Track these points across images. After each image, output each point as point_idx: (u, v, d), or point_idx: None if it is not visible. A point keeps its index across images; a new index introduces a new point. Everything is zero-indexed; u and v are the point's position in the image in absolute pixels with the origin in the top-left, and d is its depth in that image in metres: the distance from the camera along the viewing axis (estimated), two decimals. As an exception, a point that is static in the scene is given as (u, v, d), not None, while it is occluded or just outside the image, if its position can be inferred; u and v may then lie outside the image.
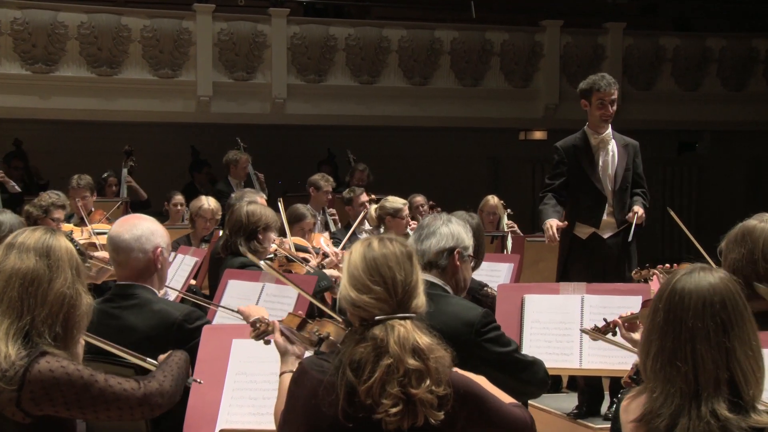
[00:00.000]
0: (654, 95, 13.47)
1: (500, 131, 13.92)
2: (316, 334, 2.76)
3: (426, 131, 13.78)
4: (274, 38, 11.99)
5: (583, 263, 5.87)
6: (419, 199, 8.67)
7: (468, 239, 3.39)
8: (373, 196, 8.28)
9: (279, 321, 2.92)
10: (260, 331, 2.94)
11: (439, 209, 8.64)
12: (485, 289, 4.48)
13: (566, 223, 5.75)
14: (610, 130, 5.95)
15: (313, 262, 5.74)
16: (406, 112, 12.58)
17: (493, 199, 8.57)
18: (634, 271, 5.20)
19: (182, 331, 3.32)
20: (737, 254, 3.01)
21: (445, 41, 12.67)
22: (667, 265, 4.94)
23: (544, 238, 5.76)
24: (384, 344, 2.45)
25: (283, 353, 2.85)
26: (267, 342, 2.94)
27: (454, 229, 3.38)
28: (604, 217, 5.89)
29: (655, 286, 4.50)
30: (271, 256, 5.50)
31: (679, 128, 14.38)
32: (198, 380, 3.04)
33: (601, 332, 3.51)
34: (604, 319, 3.53)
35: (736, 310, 2.25)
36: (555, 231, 5.64)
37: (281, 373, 2.82)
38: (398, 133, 13.91)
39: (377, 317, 2.50)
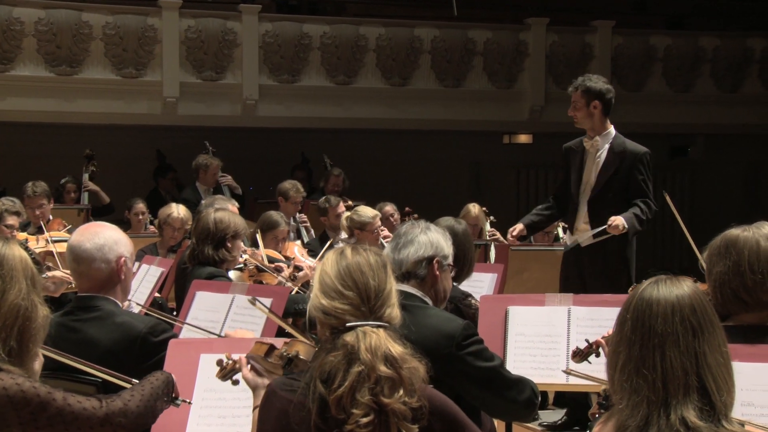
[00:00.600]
0: (644, 97, 13.56)
1: (483, 134, 13.96)
2: (285, 354, 2.77)
3: (405, 134, 13.80)
4: (244, 36, 11.98)
5: (569, 274, 5.97)
6: (389, 208, 8.65)
7: (447, 247, 3.42)
8: (350, 203, 8.28)
9: (246, 355, 2.92)
10: (227, 370, 2.94)
11: (415, 216, 8.66)
12: (469, 299, 4.50)
13: (523, 230, 5.96)
14: (608, 134, 6.04)
15: (286, 272, 5.73)
16: (384, 114, 12.60)
17: (474, 209, 8.59)
18: (631, 287, 5.25)
19: (147, 345, 3.30)
20: (722, 267, 3.01)
21: (425, 40, 12.71)
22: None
23: (529, 246, 5.87)
24: (355, 351, 2.47)
25: (254, 388, 2.85)
26: (235, 382, 2.94)
27: (433, 237, 3.40)
28: (581, 224, 6.00)
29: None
30: (241, 265, 5.49)
31: (670, 132, 14.47)
32: (187, 400, 3.03)
33: (583, 355, 3.52)
34: (586, 340, 3.54)
35: (705, 315, 2.28)
36: (510, 234, 5.89)
37: (254, 408, 2.82)
38: (376, 137, 13.92)
39: (349, 324, 2.52)
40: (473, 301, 4.50)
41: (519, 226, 5.99)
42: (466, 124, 13.04)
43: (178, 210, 7.20)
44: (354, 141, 13.78)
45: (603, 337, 3.49)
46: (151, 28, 11.71)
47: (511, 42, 13.05)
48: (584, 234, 6.00)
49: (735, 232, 3.07)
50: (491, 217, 8.82)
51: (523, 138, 14.18)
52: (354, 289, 2.56)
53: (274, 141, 13.55)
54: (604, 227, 5.80)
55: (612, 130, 6.08)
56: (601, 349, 3.48)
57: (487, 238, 8.38)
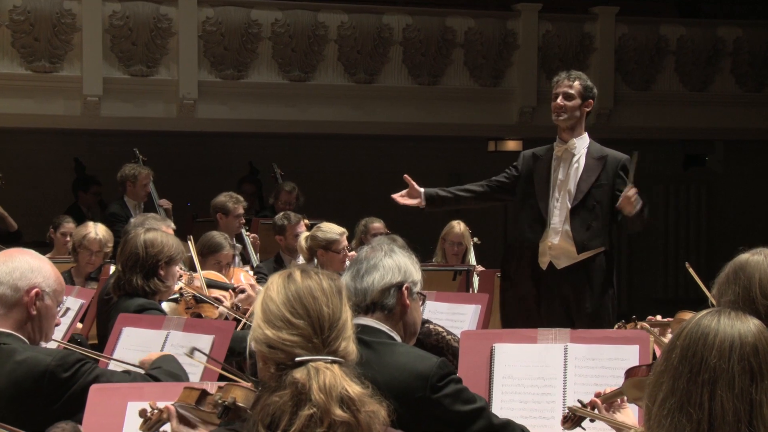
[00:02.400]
0: (654, 97, 13.66)
1: (464, 141, 14.01)
2: (220, 401, 2.77)
3: (372, 140, 13.81)
4: (181, 23, 11.97)
5: (548, 301, 6.10)
6: (378, 225, 8.70)
7: (417, 273, 3.46)
8: (306, 222, 8.29)
9: (174, 403, 2.91)
10: (153, 421, 2.93)
11: (395, 237, 8.67)
12: (426, 326, 4.47)
13: (421, 202, 6.33)
14: (584, 138, 6.17)
15: (228, 302, 5.72)
16: (347, 116, 12.62)
17: (458, 226, 8.64)
18: (616, 326, 5.32)
19: (55, 382, 3.26)
20: (732, 295, 3.09)
21: (395, 29, 12.76)
22: (659, 317, 5.04)
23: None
24: (305, 390, 2.47)
25: None
26: None
27: (400, 261, 3.43)
28: (555, 240, 6.11)
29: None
30: (176, 296, 5.47)
31: (684, 138, 14.60)
32: None
33: (575, 421, 3.53)
34: (579, 401, 3.56)
35: None
36: (402, 192, 6.27)
37: None
38: (338, 143, 13.92)
39: (298, 358, 2.52)
40: (432, 327, 4.48)
41: (417, 188, 6.35)
42: (444, 128, 13.08)
43: (95, 229, 7.16)
44: (311, 149, 13.77)
45: (599, 395, 3.50)
46: (68, 14, 11.66)
47: (497, 31, 13.13)
48: (562, 253, 6.07)
49: (744, 256, 3.14)
50: (475, 239, 8.86)
51: (512, 145, 14.24)
52: (305, 317, 2.57)
53: (216, 148, 13.52)
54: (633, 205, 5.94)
55: (586, 135, 6.26)
56: (597, 410, 3.49)
57: (473, 262, 8.42)
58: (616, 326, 5.41)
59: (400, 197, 6.25)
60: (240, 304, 5.91)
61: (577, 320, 5.87)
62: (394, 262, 3.42)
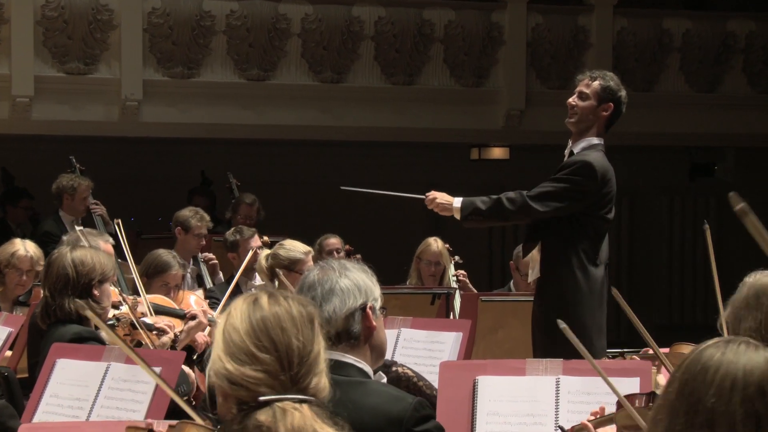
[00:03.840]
0: (656, 98, 13.71)
1: (444, 148, 14.02)
2: None
3: (340, 147, 13.81)
4: (123, 15, 11.94)
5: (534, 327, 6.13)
6: (333, 241, 8.70)
7: (375, 286, 3.45)
8: (266, 239, 8.28)
9: None
10: None
11: (358, 257, 8.67)
12: (394, 369, 4.43)
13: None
14: (584, 142, 6.16)
15: (168, 336, 5.69)
16: (312, 120, 12.61)
17: (436, 243, 8.64)
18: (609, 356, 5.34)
19: None
20: (753, 322, 3.09)
21: (366, 22, 12.77)
22: (645, 349, 5.05)
23: (505, 295, 5.95)
24: None
25: None
26: None
27: (357, 279, 3.42)
28: (535, 250, 6.17)
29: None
30: (112, 321, 5.45)
31: (691, 144, 14.66)
32: None
33: None
34: (560, 428, 3.57)
35: None
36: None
37: None
38: (301, 150, 13.91)
39: (262, 398, 2.51)
40: (401, 371, 4.42)
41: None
42: (420, 134, 13.10)
43: (25, 247, 7.12)
44: (271, 156, 13.76)
45: (591, 418, 3.51)
46: (-5, 4, 11.63)
47: (481, 25, 13.16)
48: (536, 263, 6.13)
49: (764, 279, 3.13)
50: (456, 257, 8.87)
51: (497, 152, 14.27)
52: (271, 350, 2.56)
53: (163, 155, 13.48)
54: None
55: (595, 139, 6.16)
56: None
57: (453, 284, 8.42)
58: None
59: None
60: (189, 332, 5.89)
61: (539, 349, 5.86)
62: (351, 282, 3.39)
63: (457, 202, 6.10)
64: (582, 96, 6.14)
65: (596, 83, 6.13)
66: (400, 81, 12.91)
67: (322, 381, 2.59)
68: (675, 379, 2.31)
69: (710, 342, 2.35)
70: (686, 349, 5.00)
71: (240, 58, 12.37)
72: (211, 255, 9.09)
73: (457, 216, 6.11)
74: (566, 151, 6.22)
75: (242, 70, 12.41)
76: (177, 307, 6.42)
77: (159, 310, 6.16)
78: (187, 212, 8.83)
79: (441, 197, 6.13)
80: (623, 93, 6.19)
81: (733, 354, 2.28)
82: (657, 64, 13.75)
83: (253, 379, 2.53)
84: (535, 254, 6.17)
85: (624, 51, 13.57)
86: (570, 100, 6.17)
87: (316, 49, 12.61)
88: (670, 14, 13.96)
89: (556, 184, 6.02)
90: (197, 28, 12.21)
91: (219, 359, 2.57)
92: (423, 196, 6.19)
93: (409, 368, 4.39)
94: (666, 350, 4.85)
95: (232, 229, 8.51)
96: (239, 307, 2.63)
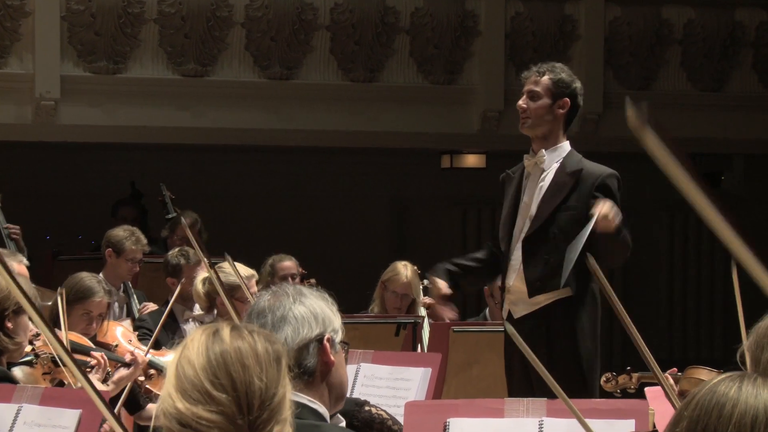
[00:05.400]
0: (654, 98, 13.73)
1: (411, 154, 14.04)
2: None
3: (291, 154, 13.80)
4: (38, 0, 11.90)
5: (512, 363, 6.20)
6: (288, 264, 8.69)
7: (336, 317, 3.46)
8: (312, 281, 8.31)
9: None
10: None
11: (312, 281, 8.65)
12: (367, 408, 4.44)
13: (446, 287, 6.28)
14: (559, 149, 6.21)
15: (95, 376, 5.67)
16: (258, 122, 12.59)
17: (405, 271, 8.62)
18: (604, 377, 5.36)
19: None
20: None
21: (321, 9, 12.76)
22: (669, 373, 5.09)
23: (481, 326, 5.96)
24: None
25: None
26: None
27: (314, 306, 3.44)
28: (514, 281, 6.23)
29: (655, 400, 4.59)
30: (30, 357, 5.41)
31: (694, 150, 14.70)
32: None
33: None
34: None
35: None
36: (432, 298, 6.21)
37: None
38: (245, 157, 13.89)
39: None
40: (374, 412, 4.43)
41: (439, 283, 6.25)
42: (384, 138, 13.11)
43: None
44: (211, 164, 13.73)
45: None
46: None
47: (453, 13, 13.19)
48: (518, 298, 6.12)
49: None
50: (425, 281, 8.86)
51: (472, 160, 14.30)
52: (229, 389, 2.57)
53: (85, 163, 13.43)
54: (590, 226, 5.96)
55: (566, 145, 6.27)
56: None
57: (422, 313, 8.42)
58: (603, 379, 5.46)
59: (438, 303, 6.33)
60: (118, 383, 5.89)
61: (537, 387, 5.88)
62: (307, 309, 3.42)
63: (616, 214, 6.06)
64: (532, 95, 6.19)
65: (545, 78, 6.20)
66: (359, 77, 12.91)
67: (285, 429, 2.58)
68: (683, 417, 2.36)
69: (721, 377, 2.40)
70: (703, 373, 5.04)
71: (174, 51, 12.34)
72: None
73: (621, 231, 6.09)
74: (534, 159, 6.23)
75: (177, 65, 12.37)
76: (90, 345, 6.38)
77: (76, 350, 6.13)
78: (121, 232, 8.79)
79: (608, 205, 6.02)
80: (578, 84, 6.31)
81: (752, 389, 2.34)
82: (655, 58, 13.81)
83: (206, 421, 2.53)
84: (518, 285, 6.17)
85: (617, 44, 13.63)
86: (520, 102, 6.23)
87: (262, 41, 12.60)
88: (670, 2, 13.98)
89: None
90: (124, 16, 12.16)
91: (169, 396, 2.57)
92: (593, 222, 5.97)
93: (383, 410, 4.39)
94: (669, 374, 4.88)
95: (176, 250, 8.46)
96: (197, 338, 2.64)
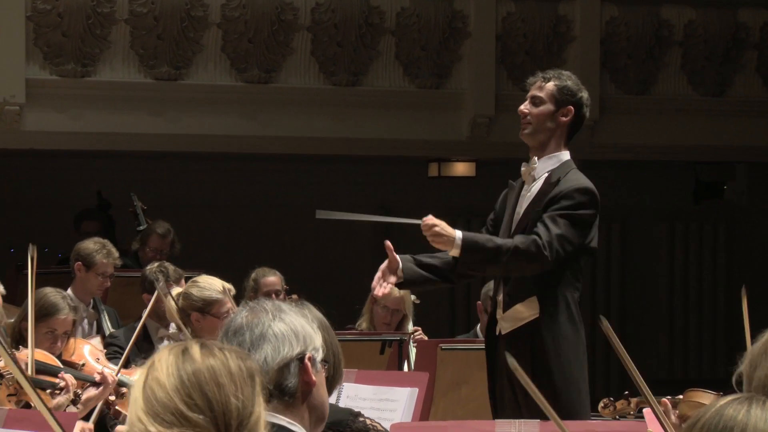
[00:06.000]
0: (653, 103, 13.78)
1: (397, 162, 14.04)
2: None
3: (270, 162, 13.80)
4: (2, -1, 11.90)
5: (498, 382, 6.20)
6: (273, 279, 8.69)
7: (317, 335, 3.45)
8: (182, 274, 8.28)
9: None
10: None
11: (294, 297, 8.65)
12: (361, 419, 4.46)
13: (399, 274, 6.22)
14: (554, 158, 6.22)
15: (66, 395, 5.66)
16: (235, 128, 12.57)
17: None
18: (602, 403, 5.37)
19: None
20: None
21: (301, 9, 12.74)
22: (667, 399, 5.10)
23: (470, 344, 5.96)
24: None
25: None
26: None
27: (294, 323, 3.43)
28: (499, 296, 6.26)
29: (654, 422, 4.60)
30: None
31: (695, 159, 14.75)
32: None
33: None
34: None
35: None
36: (379, 276, 6.20)
37: None
38: (222, 166, 13.88)
39: None
40: (369, 423, 4.46)
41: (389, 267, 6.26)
42: (368, 146, 13.10)
43: None
44: (185, 173, 13.72)
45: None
46: None
47: (441, 14, 13.19)
48: (507, 314, 6.16)
49: None
50: (413, 297, 8.87)
51: (461, 168, 14.30)
52: (205, 410, 2.58)
53: (51, 172, 13.40)
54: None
55: (564, 154, 6.28)
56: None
57: (409, 329, 8.42)
58: (601, 404, 5.47)
59: (379, 286, 6.24)
60: (86, 403, 5.88)
61: (524, 408, 5.89)
62: (287, 327, 3.40)
63: (458, 235, 6.04)
64: (535, 101, 6.21)
65: (551, 84, 6.21)
66: (342, 81, 12.91)
67: None
68: None
69: (728, 399, 2.42)
70: (703, 396, 5.04)
71: (146, 53, 12.32)
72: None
73: (454, 252, 6.06)
74: (530, 165, 6.25)
75: (149, 68, 12.35)
76: (57, 364, 6.36)
77: (41, 370, 6.11)
78: (91, 245, 8.78)
79: (441, 226, 6.07)
80: (585, 94, 6.30)
81: (761, 412, 2.37)
82: (654, 61, 13.82)
83: None
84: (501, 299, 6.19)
85: (614, 46, 13.64)
86: (522, 107, 6.24)
87: (239, 42, 12.59)
88: (669, 1, 14.00)
89: (567, 222, 6.05)
90: (93, 16, 12.14)
91: (139, 420, 2.57)
92: (419, 221, 6.14)
93: (378, 423, 4.39)
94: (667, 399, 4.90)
95: (155, 265, 8.41)
96: (164, 358, 2.64)
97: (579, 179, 6.16)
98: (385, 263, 6.26)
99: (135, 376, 6.22)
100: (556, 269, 6.07)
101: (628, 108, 13.61)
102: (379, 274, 6.24)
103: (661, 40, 13.79)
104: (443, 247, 6.09)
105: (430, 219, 6.12)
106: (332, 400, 5.03)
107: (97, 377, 6.10)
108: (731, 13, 14.04)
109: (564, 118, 6.20)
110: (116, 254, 8.85)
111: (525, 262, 6.01)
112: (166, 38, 12.37)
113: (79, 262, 8.71)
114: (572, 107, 6.20)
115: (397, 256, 6.26)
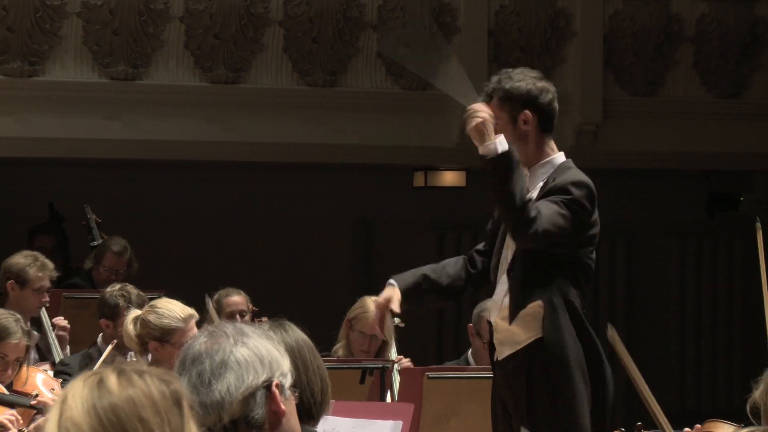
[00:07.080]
0: (662, 106, 13.83)
1: (379, 171, 14.06)
2: None
3: (238, 171, 13.80)
4: (-61, -9, 11.91)
5: (496, 411, 6.24)
6: (237, 299, 8.72)
7: (284, 359, 3.45)
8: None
9: None
10: None
11: (264, 320, 8.64)
12: None
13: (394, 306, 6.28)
14: (548, 164, 6.24)
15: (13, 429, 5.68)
16: (198, 133, 12.58)
17: (373, 306, 8.60)
18: None
19: None
20: None
21: (273, 2, 12.77)
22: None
23: (460, 371, 5.96)
24: None
25: None
26: None
27: (260, 348, 3.43)
28: (493, 318, 6.31)
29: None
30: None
31: (708, 167, 14.79)
32: None
33: None
34: None
35: None
36: (378, 314, 6.32)
37: None
38: (184, 175, 13.88)
39: None
40: None
41: (389, 297, 6.32)
42: (347, 153, 13.12)
43: None
44: (144, 183, 13.71)
45: None
46: None
47: (428, 6, 13.21)
48: (505, 337, 6.19)
49: None
50: (396, 319, 8.85)
51: (449, 178, 14.32)
52: None
53: (-3, 182, 13.40)
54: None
55: (558, 157, 6.26)
56: None
57: (392, 357, 8.42)
58: None
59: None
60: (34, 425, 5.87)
61: None
62: (251, 352, 3.41)
63: (504, 145, 5.96)
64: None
65: (495, 100, 6.18)
66: (318, 81, 12.93)
67: None
68: None
69: (748, 430, 2.41)
70: (724, 428, 5.09)
71: (101, 50, 12.32)
72: (64, 322, 8.96)
73: (485, 151, 6.02)
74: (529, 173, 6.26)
75: (104, 66, 12.36)
76: (19, 396, 6.36)
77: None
78: (21, 259, 8.75)
79: (489, 119, 5.97)
80: (536, 85, 6.23)
81: None
82: (663, 59, 13.86)
83: None
84: (500, 322, 6.19)
85: (619, 42, 13.68)
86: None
87: (204, 38, 12.60)
88: (678, -6, 14.10)
89: (558, 207, 6.06)
90: (41, 9, 12.14)
91: None
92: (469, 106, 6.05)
93: None
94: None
95: (117, 287, 8.38)
96: (78, 393, 2.61)
97: (575, 174, 6.16)
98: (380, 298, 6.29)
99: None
100: (552, 276, 6.13)
101: (634, 111, 13.63)
102: (378, 314, 6.29)
103: (670, 36, 13.82)
104: (476, 139, 6.03)
105: (478, 107, 6.03)
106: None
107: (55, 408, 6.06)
108: (748, 6, 14.08)
109: (526, 126, 6.15)
110: (51, 266, 8.82)
111: (522, 216, 5.97)
112: (123, 33, 12.36)
113: (11, 281, 8.68)
114: (528, 110, 6.14)
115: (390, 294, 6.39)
